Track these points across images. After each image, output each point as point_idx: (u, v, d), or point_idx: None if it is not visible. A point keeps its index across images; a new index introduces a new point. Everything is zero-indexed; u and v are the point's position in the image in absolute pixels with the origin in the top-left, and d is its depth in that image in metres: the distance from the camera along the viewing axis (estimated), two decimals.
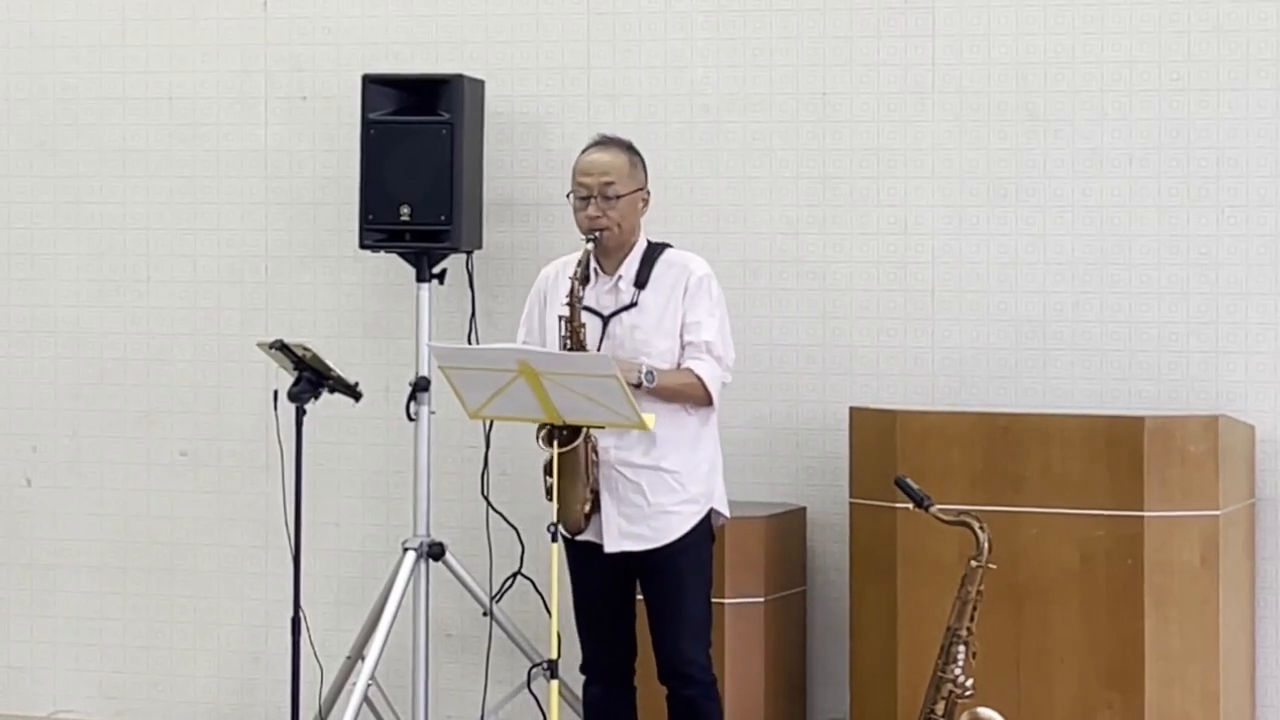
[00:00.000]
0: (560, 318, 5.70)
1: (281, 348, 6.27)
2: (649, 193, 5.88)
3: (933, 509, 5.55)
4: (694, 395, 5.73)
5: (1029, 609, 6.17)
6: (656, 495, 5.71)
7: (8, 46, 7.66)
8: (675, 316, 5.75)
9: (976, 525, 5.53)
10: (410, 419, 6.79)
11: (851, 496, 6.53)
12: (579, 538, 5.74)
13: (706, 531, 5.81)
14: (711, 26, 7.04)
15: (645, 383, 5.60)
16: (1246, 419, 6.53)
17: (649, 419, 5.46)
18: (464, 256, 6.93)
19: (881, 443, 6.37)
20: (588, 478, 5.66)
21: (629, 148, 5.87)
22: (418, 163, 6.74)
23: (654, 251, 5.84)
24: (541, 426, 5.58)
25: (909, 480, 5.63)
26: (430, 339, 6.79)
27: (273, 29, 7.43)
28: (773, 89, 6.98)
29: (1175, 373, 6.66)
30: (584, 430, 5.58)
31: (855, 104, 6.92)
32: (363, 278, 7.31)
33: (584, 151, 5.86)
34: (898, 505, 5.95)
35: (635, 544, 5.71)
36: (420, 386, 6.77)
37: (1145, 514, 6.10)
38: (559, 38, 7.16)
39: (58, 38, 7.61)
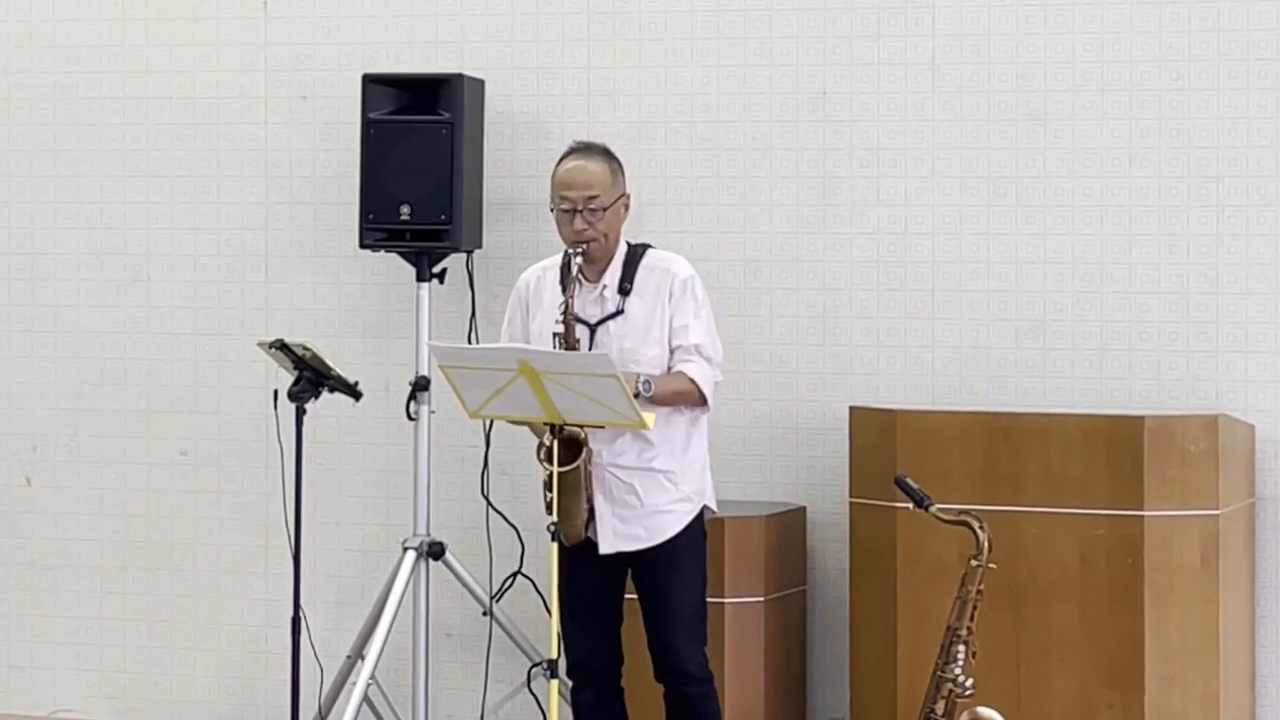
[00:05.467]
0: (555, 335, 5.66)
1: (281, 347, 6.27)
2: (629, 196, 5.83)
3: (933, 509, 5.55)
4: (690, 399, 5.71)
5: (1029, 609, 6.17)
6: (650, 495, 5.69)
7: (8, 46, 7.66)
8: (662, 323, 5.71)
9: (976, 525, 5.53)
10: (410, 419, 6.79)
11: (851, 496, 6.53)
12: None
13: (700, 529, 5.80)
14: (711, 26, 7.03)
15: (643, 392, 5.58)
16: (1246, 419, 6.52)
17: (649, 418, 5.46)
18: (464, 256, 6.94)
19: (881, 443, 6.37)
20: (586, 490, 5.66)
21: (607, 153, 5.80)
22: (418, 163, 6.74)
23: (635, 255, 5.78)
24: (541, 446, 5.55)
25: (909, 480, 5.62)
26: (430, 339, 6.79)
27: (273, 29, 7.43)
28: (773, 89, 6.98)
29: (1175, 373, 6.66)
30: (583, 450, 5.57)
31: (855, 103, 6.91)
32: (363, 278, 7.31)
33: (562, 161, 5.78)
34: (898, 505, 5.95)
35: (630, 544, 5.70)
36: (420, 386, 6.77)
37: (1145, 514, 6.10)
38: (559, 38, 7.16)
39: (58, 38, 7.61)
